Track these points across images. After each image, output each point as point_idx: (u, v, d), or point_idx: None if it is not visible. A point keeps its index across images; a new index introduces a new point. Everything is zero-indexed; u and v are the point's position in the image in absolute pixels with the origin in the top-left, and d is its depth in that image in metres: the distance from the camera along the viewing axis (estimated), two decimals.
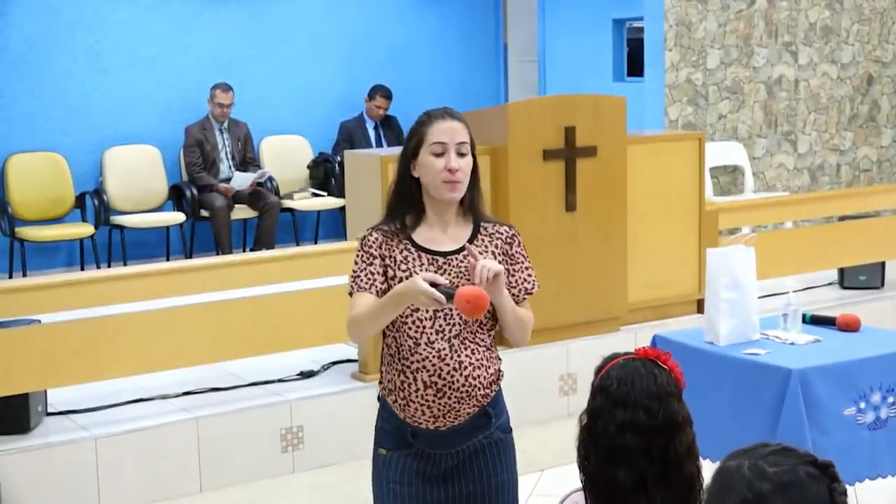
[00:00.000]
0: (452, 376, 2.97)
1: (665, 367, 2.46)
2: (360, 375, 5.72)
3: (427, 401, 2.98)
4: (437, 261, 3.00)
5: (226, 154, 9.29)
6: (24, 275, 8.31)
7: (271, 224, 9.04)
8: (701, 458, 2.46)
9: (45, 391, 5.20)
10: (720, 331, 4.33)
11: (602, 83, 10.08)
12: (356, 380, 5.72)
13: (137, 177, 9.06)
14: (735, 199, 8.64)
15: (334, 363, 5.95)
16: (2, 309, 5.02)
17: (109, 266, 8.67)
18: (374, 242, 3.02)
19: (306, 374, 5.78)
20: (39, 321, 5.18)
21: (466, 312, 2.81)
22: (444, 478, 3.04)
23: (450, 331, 2.98)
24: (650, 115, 8.89)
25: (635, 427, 2.36)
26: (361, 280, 2.99)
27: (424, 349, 2.98)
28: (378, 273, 2.99)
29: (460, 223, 3.06)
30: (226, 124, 9.28)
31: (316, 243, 9.59)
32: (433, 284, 2.81)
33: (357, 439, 5.53)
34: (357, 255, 3.03)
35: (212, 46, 9.51)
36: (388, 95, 9.88)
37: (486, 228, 3.07)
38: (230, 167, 9.29)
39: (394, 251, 3.00)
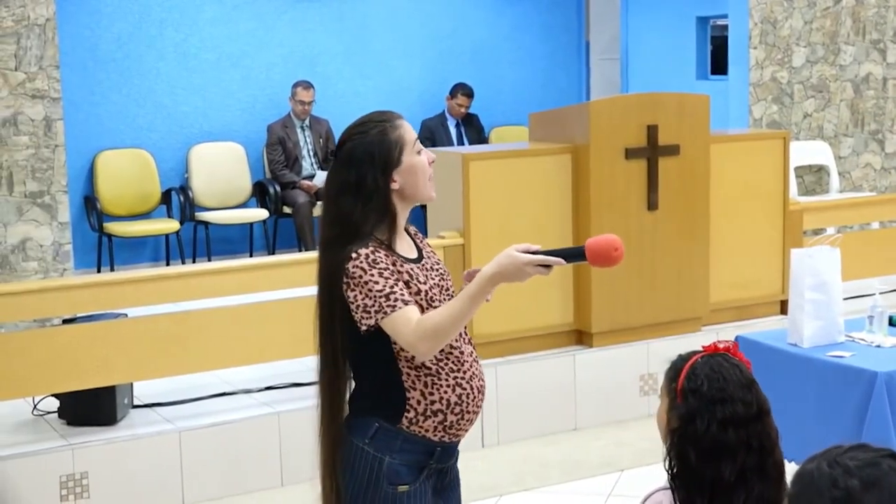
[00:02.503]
0: (483, 379, 2.92)
1: (736, 358, 2.50)
2: None
3: (478, 408, 2.89)
4: (424, 269, 2.88)
5: (308, 151, 9.37)
6: (112, 269, 8.46)
7: None
8: (785, 459, 2.47)
9: (132, 384, 5.29)
10: (804, 332, 4.28)
11: (685, 81, 10.00)
12: None
13: (222, 174, 9.17)
14: (820, 199, 8.52)
15: None
16: (90, 303, 5.12)
17: (194, 261, 8.79)
18: (383, 258, 2.78)
19: None
20: (126, 315, 5.27)
21: (614, 261, 2.63)
22: (447, 488, 2.97)
23: (466, 333, 2.91)
24: (734, 114, 8.79)
25: (735, 420, 2.40)
26: (398, 295, 2.74)
27: (468, 356, 2.87)
28: (404, 284, 2.79)
29: None
30: (307, 122, 9.36)
31: None
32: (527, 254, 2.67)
33: None
34: (370, 276, 2.74)
35: (297, 44, 9.60)
36: (469, 94, 9.89)
37: (407, 230, 2.98)
38: (312, 165, 9.37)
39: (398, 266, 2.82)
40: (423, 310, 2.79)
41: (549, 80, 10.73)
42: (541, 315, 5.90)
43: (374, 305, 2.73)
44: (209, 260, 8.65)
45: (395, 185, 2.84)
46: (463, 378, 2.84)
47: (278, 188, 9.10)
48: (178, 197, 8.94)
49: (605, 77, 11.01)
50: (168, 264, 8.77)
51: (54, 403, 5.16)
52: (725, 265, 6.40)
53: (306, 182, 9.14)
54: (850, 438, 3.90)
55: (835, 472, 1.82)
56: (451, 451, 2.90)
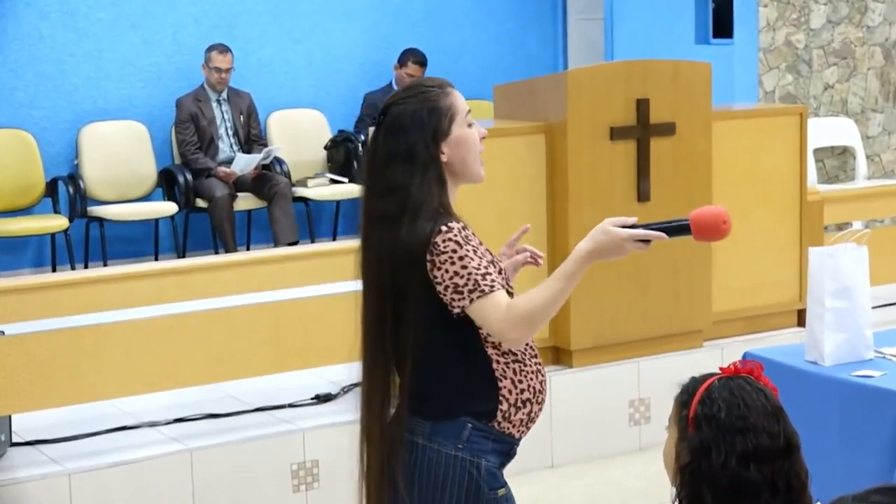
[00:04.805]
0: None
1: (760, 382, 2.52)
2: None
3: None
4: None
5: (226, 131, 9.34)
6: None
7: (286, 211, 9.04)
8: None
9: (10, 417, 5.25)
10: (825, 348, 4.31)
11: (682, 46, 10.03)
12: None
13: (120, 159, 9.12)
14: (844, 187, 8.59)
15: (357, 385, 5.96)
16: None
17: (86, 266, 8.74)
18: (472, 235, 3.02)
19: (323, 398, 5.80)
20: (2, 332, 5.23)
21: (722, 234, 2.90)
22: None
23: None
24: (741, 85, 8.86)
25: (759, 455, 2.41)
26: (494, 276, 2.96)
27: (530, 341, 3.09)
28: (490, 265, 3.01)
29: None
30: (225, 95, 9.32)
31: (335, 239, 9.62)
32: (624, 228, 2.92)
33: None
34: (466, 251, 2.95)
35: (210, 1, 9.56)
36: (422, 62, 9.90)
37: None
38: (231, 147, 9.34)
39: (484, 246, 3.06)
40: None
41: (517, 44, 10.76)
42: None
43: (466, 285, 2.93)
44: (105, 264, 8.60)
45: (443, 157, 3.05)
46: (540, 364, 3.11)
47: (190, 177, 9.06)
48: (66, 188, 8.88)
49: (585, 41, 11.05)
50: (54, 270, 8.71)
51: None
52: (731, 267, 6.44)
53: (224, 169, 9.10)
54: (882, 473, 3.93)
55: None
56: (517, 451, 3.14)
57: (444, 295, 2.95)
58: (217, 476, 5.26)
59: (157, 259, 8.99)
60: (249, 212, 9.40)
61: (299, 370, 5.72)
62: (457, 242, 2.95)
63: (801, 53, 8.97)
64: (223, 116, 9.34)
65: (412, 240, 2.96)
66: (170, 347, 5.28)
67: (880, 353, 4.40)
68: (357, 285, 3.20)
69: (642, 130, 6.07)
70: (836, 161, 9.33)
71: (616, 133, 6.02)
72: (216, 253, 8.72)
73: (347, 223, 9.88)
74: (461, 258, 2.94)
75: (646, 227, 2.92)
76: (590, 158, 5.97)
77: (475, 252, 2.96)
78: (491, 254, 3.07)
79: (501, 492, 3.06)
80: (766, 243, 6.59)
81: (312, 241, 9.22)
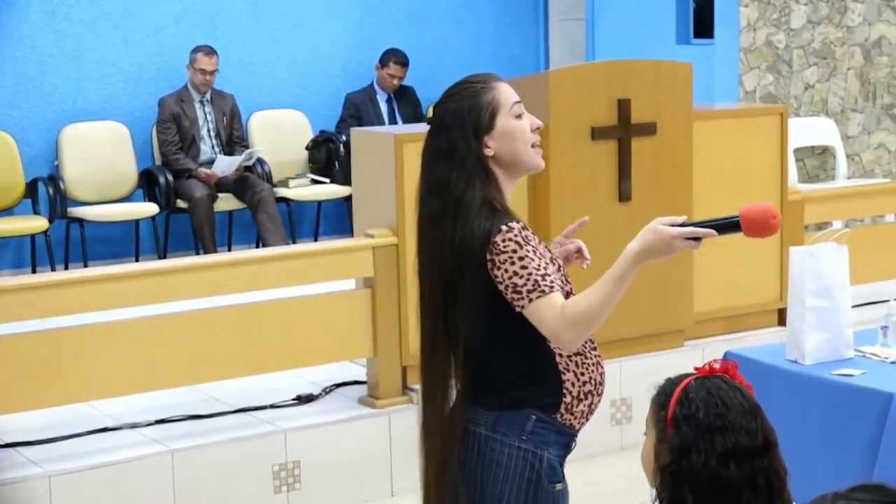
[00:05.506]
0: None
1: (736, 380, 2.53)
2: (369, 401, 5.73)
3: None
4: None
5: (208, 132, 9.33)
6: None
7: (273, 216, 9.02)
8: None
9: None
10: (806, 347, 4.32)
11: (663, 46, 10.05)
12: (365, 406, 5.72)
13: (100, 160, 9.10)
14: (825, 186, 8.61)
15: (338, 385, 5.97)
16: None
17: (66, 267, 8.71)
18: (531, 235, 3.05)
19: (304, 399, 5.79)
20: None
21: (772, 229, 2.96)
22: None
23: None
24: (722, 85, 8.87)
25: (738, 453, 2.42)
26: (553, 277, 3.00)
27: None
28: (549, 264, 3.06)
29: None
30: (208, 96, 9.31)
31: (316, 240, 9.61)
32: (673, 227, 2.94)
33: (365, 477, 5.53)
34: (526, 251, 2.98)
35: (191, 1, 9.54)
36: (403, 62, 9.89)
37: None
38: (213, 148, 9.32)
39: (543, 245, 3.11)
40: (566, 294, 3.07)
41: (499, 44, 10.76)
42: None
43: (525, 285, 2.97)
44: (85, 265, 8.57)
45: (488, 152, 3.09)
46: (599, 356, 3.18)
47: (171, 177, 9.05)
48: (46, 189, 8.86)
49: (567, 41, 11.06)
50: (34, 271, 8.69)
51: None
52: (712, 267, 6.45)
53: (205, 170, 9.08)
54: (862, 472, 3.94)
55: None
56: (576, 443, 3.21)
57: (507, 294, 2.99)
58: (198, 477, 5.25)
59: (137, 260, 8.97)
60: (230, 213, 9.38)
61: (281, 371, 5.71)
62: (517, 242, 2.98)
63: (781, 53, 8.98)
64: (206, 117, 9.32)
65: (469, 236, 3.00)
66: (151, 349, 5.27)
67: (860, 351, 4.42)
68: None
69: (624, 130, 6.08)
70: (817, 161, 9.35)
71: (597, 133, 6.02)
72: (197, 254, 8.71)
73: (329, 224, 9.87)
74: (521, 258, 2.97)
75: (695, 225, 2.94)
76: (571, 158, 5.97)
77: (535, 252, 3.00)
78: (550, 252, 3.14)
79: (559, 486, 3.12)
80: (747, 243, 6.55)
81: (294, 242, 9.21)
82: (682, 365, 2.92)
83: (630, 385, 6.10)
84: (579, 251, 3.36)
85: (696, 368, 2.56)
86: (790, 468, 2.50)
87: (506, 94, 3.14)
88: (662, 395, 2.53)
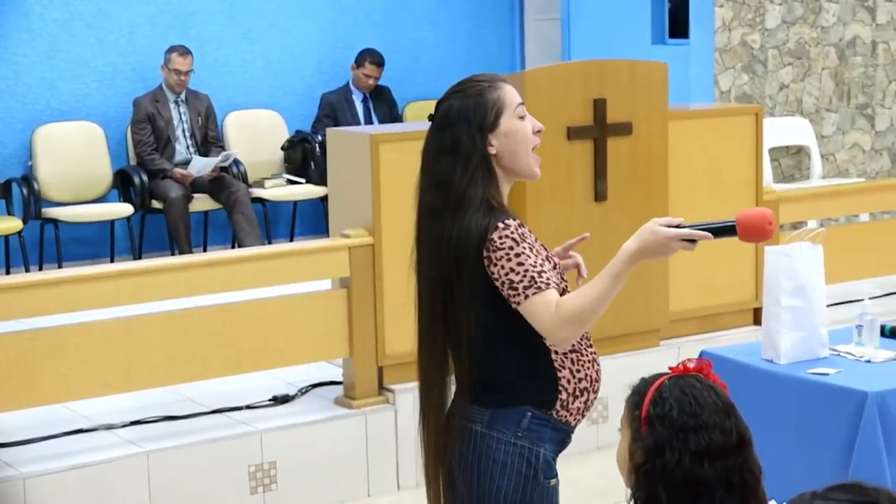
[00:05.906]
0: None
1: (709, 380, 2.54)
2: (345, 401, 5.72)
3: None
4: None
5: (183, 132, 9.30)
6: None
7: (248, 217, 9.00)
8: None
9: None
10: (781, 346, 4.33)
11: (639, 46, 10.07)
12: (341, 406, 5.72)
13: (75, 160, 9.07)
14: (799, 186, 8.64)
15: (314, 386, 5.96)
16: None
17: (41, 268, 8.69)
18: (528, 232, 3.07)
19: (280, 400, 5.78)
20: None
21: (767, 235, 3.01)
22: None
23: None
24: (697, 85, 8.89)
25: (712, 452, 2.43)
26: (549, 274, 3.03)
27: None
28: (545, 262, 3.08)
29: None
30: (183, 96, 9.29)
31: (292, 240, 9.60)
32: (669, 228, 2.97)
33: (342, 478, 5.53)
34: (522, 248, 3.02)
35: (165, 1, 9.51)
36: (379, 62, 9.88)
37: None
38: (188, 148, 9.30)
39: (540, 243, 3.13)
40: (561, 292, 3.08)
41: (475, 44, 10.76)
42: None
43: (521, 282, 3.00)
44: (60, 266, 8.54)
45: (491, 150, 3.11)
46: (595, 353, 3.22)
47: (146, 177, 9.02)
48: (20, 189, 8.82)
49: (542, 41, 11.07)
50: (8, 272, 8.65)
51: None
52: (687, 267, 6.46)
53: (180, 170, 9.06)
54: (837, 471, 3.96)
55: None
56: (571, 439, 3.22)
57: (503, 290, 3.01)
58: (174, 478, 5.24)
59: (112, 261, 8.94)
60: (206, 213, 9.36)
61: (257, 371, 5.70)
62: (513, 240, 3.01)
63: (756, 53, 9.01)
64: (181, 118, 9.30)
65: (466, 233, 3.02)
66: (126, 349, 5.25)
67: (835, 350, 4.43)
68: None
69: (599, 130, 6.08)
70: (792, 160, 9.38)
71: (573, 133, 6.03)
72: (172, 254, 8.68)
73: (304, 224, 9.86)
74: (517, 255, 3.00)
75: (692, 227, 2.98)
76: (547, 158, 5.92)
77: (531, 249, 3.03)
78: (546, 249, 3.16)
79: (553, 481, 3.15)
80: (723, 242, 6.57)
81: (269, 242, 9.19)
82: (657, 364, 2.93)
83: (605, 384, 6.03)
84: (577, 266, 3.38)
85: (670, 368, 2.57)
86: (766, 467, 2.51)
87: (511, 94, 3.16)
88: (636, 395, 2.54)
